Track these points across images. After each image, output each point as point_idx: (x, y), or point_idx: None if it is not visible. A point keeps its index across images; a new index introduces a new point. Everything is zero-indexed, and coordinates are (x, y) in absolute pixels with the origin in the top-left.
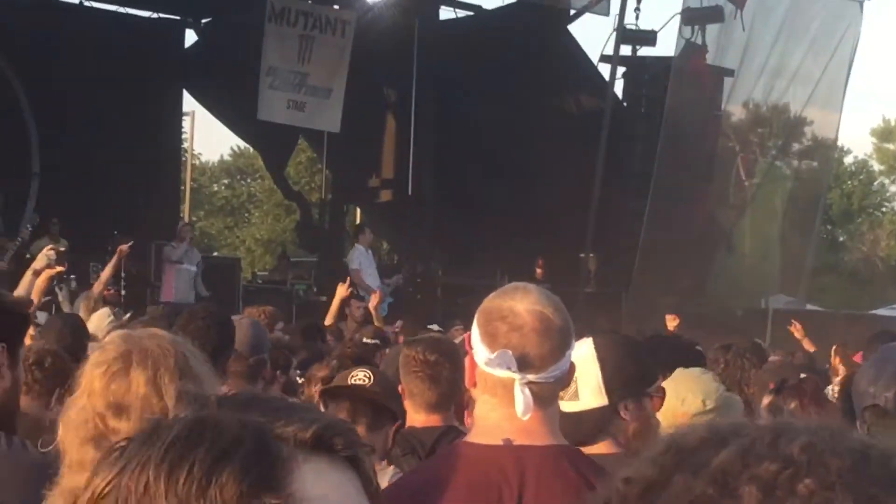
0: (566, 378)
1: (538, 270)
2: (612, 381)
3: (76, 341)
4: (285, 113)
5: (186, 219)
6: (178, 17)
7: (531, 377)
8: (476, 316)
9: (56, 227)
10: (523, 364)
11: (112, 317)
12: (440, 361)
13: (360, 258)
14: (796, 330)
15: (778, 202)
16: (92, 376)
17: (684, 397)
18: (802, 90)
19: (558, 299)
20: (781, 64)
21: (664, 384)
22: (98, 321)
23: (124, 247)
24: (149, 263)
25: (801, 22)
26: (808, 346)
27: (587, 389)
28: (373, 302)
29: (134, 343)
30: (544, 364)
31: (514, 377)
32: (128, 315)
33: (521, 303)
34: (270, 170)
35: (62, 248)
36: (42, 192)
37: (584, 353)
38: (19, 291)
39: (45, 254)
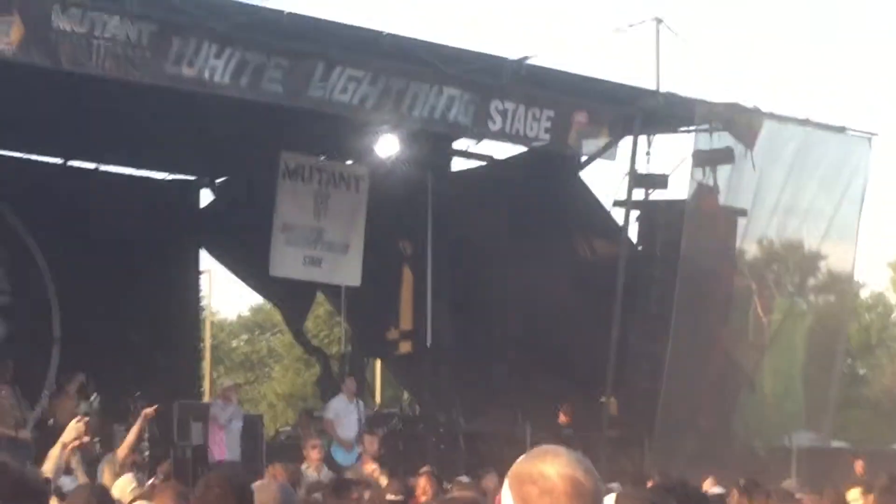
0: None
1: (563, 417)
2: None
3: None
4: (301, 269)
5: (207, 376)
6: (193, 178)
7: None
8: (507, 480)
9: (86, 386)
10: None
11: (135, 483)
12: None
13: (337, 408)
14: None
15: (798, 339)
16: None
17: None
18: (816, 226)
19: (589, 462)
20: (793, 202)
21: None
22: (122, 488)
23: (149, 410)
24: (171, 423)
25: (811, 160)
26: None
27: None
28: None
29: None
30: None
31: None
32: (150, 481)
33: (551, 466)
34: (289, 325)
35: (87, 418)
36: (63, 356)
37: None
38: (49, 465)
39: (75, 426)
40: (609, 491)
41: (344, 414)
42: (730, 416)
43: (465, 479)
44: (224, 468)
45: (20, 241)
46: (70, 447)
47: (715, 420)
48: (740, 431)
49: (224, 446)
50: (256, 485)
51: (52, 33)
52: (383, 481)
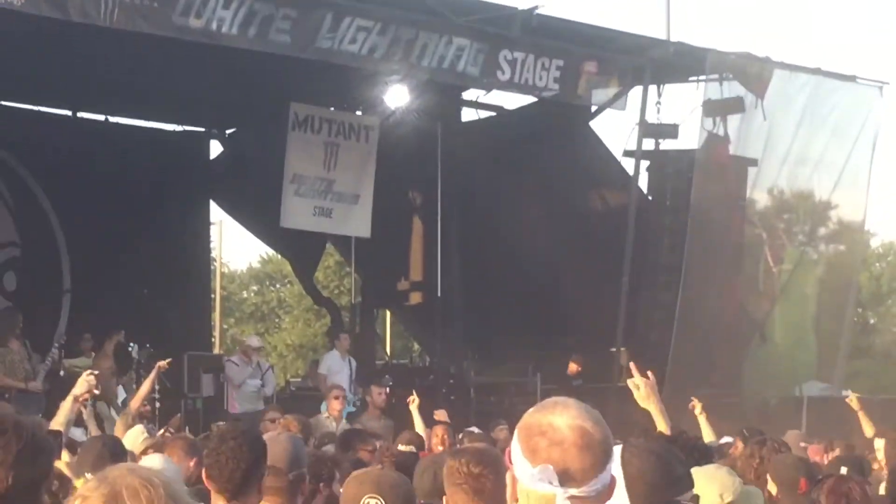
0: (608, 491)
1: (573, 366)
2: (634, 490)
3: (116, 463)
4: (312, 220)
5: (218, 328)
6: (202, 129)
7: (573, 491)
8: (516, 431)
9: (89, 342)
10: (565, 479)
11: (146, 434)
12: (484, 473)
13: (330, 363)
14: None
15: (809, 288)
16: None
17: (700, 494)
18: (827, 176)
19: (598, 413)
20: (804, 151)
21: None
22: (133, 438)
23: (163, 363)
24: (181, 375)
25: (822, 109)
26: (867, 430)
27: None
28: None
29: (118, 483)
30: (585, 478)
31: (555, 492)
32: (161, 431)
33: (560, 417)
34: (299, 276)
35: (97, 372)
36: (73, 308)
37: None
38: (60, 418)
39: (86, 379)
40: (618, 442)
41: (336, 370)
42: (741, 366)
43: (475, 429)
44: (239, 421)
45: (30, 193)
46: (81, 400)
47: (726, 370)
48: (752, 382)
49: (235, 402)
50: (267, 436)
51: None
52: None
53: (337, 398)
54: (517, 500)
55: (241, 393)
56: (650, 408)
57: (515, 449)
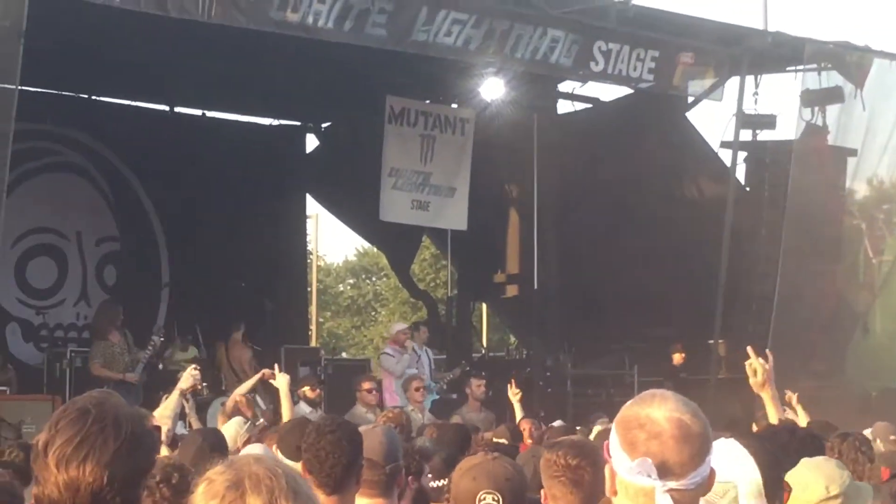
0: (707, 484)
1: (677, 357)
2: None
3: (218, 457)
4: (410, 213)
5: (314, 321)
6: (298, 123)
7: (672, 484)
8: (614, 425)
9: (190, 339)
10: (663, 471)
11: (248, 424)
12: (582, 465)
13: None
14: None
15: None
16: None
17: (806, 485)
18: None
19: (696, 405)
20: None
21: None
22: (234, 430)
23: (269, 371)
24: (279, 368)
25: None
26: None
27: (751, 495)
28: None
29: (243, 470)
30: (684, 471)
31: (654, 485)
32: (260, 422)
33: (658, 410)
34: (395, 269)
35: (198, 368)
36: (172, 301)
37: (737, 457)
38: (167, 411)
39: (191, 374)
40: (717, 436)
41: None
42: (843, 357)
43: (559, 423)
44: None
45: (129, 188)
46: (186, 394)
47: (827, 362)
48: (853, 373)
49: (394, 393)
50: (362, 429)
51: None
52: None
53: (417, 389)
54: (616, 494)
55: (398, 386)
56: (764, 395)
57: (614, 442)
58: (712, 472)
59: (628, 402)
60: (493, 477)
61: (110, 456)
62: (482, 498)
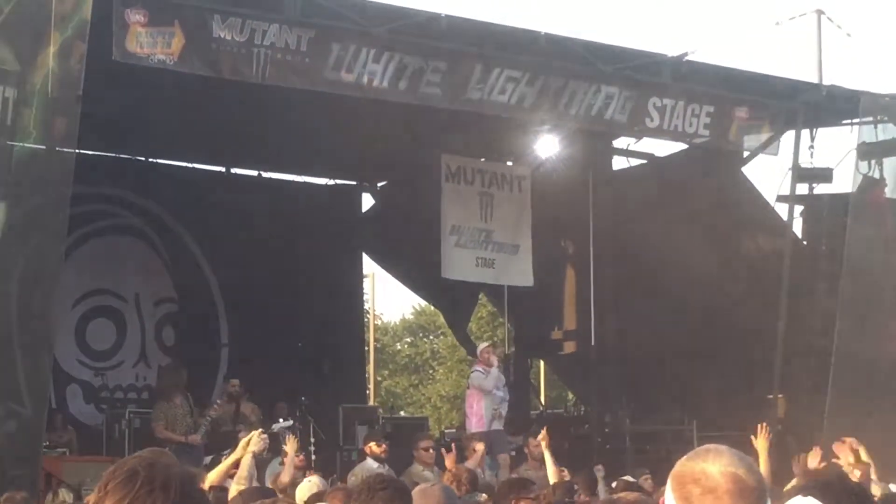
0: None
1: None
2: None
3: None
4: (475, 270)
5: (372, 380)
6: (354, 183)
7: None
8: (669, 480)
9: (235, 390)
10: None
11: (319, 487)
12: None
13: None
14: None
15: None
16: None
17: None
18: None
19: (751, 460)
20: None
21: None
22: (307, 490)
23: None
24: (337, 426)
25: None
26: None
27: None
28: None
29: None
30: None
31: None
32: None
33: (713, 465)
34: (452, 326)
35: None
36: (230, 362)
37: None
38: (244, 473)
39: (261, 438)
40: (772, 490)
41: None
42: None
43: (629, 478)
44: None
45: (186, 249)
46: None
47: (888, 417)
48: None
49: (482, 416)
50: (418, 488)
51: (213, 42)
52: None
53: (477, 447)
54: None
55: (489, 405)
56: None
57: (669, 497)
58: None
59: (683, 458)
60: None
61: None
62: None
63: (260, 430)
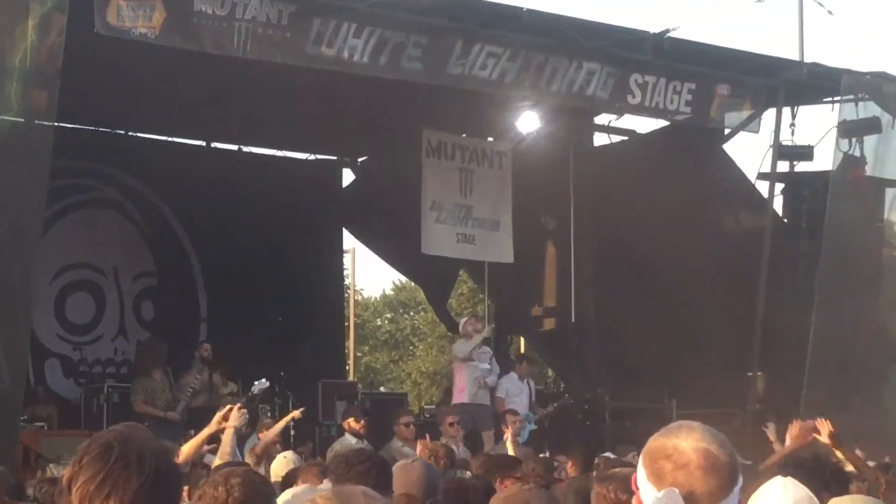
0: None
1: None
2: None
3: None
4: (455, 246)
5: (352, 356)
6: (334, 158)
7: None
8: (641, 456)
9: (208, 355)
10: (691, 502)
11: (294, 462)
12: (632, 501)
13: (508, 387)
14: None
15: None
16: None
17: None
18: None
19: (724, 436)
20: None
21: None
22: (283, 465)
23: (297, 413)
24: (316, 402)
25: None
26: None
27: None
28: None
29: (350, 500)
30: (712, 501)
31: None
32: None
33: (685, 440)
34: (433, 303)
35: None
36: (209, 336)
37: (804, 500)
38: (227, 448)
39: (241, 412)
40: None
41: (515, 392)
42: (881, 390)
43: (610, 455)
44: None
45: (165, 224)
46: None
47: (866, 395)
48: (892, 406)
49: (464, 389)
50: (401, 463)
51: (194, 16)
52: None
53: (451, 424)
54: None
55: (471, 376)
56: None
57: (641, 474)
58: None
59: (655, 434)
60: None
61: (133, 493)
62: None
63: (239, 404)
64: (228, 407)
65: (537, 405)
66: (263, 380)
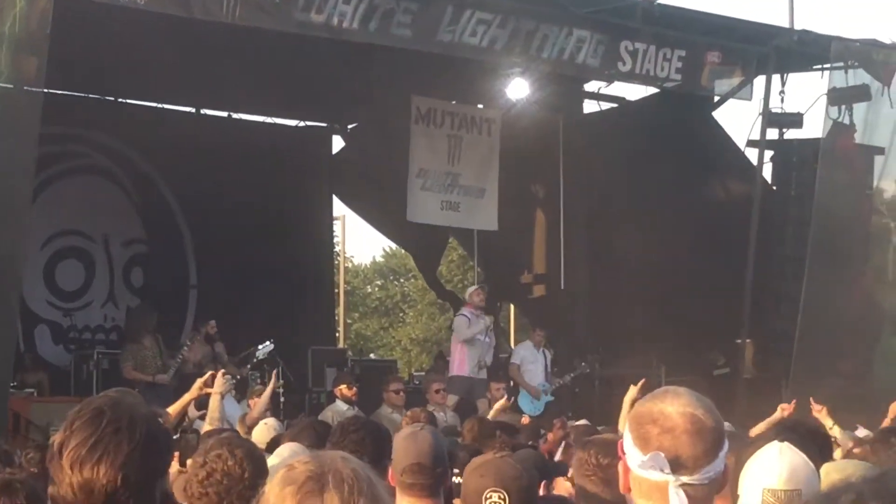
0: (720, 480)
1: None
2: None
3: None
4: (440, 214)
5: (342, 323)
6: (324, 124)
7: (685, 479)
8: (628, 421)
9: (215, 332)
10: (676, 466)
11: (276, 428)
12: (614, 464)
13: (524, 354)
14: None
15: None
16: (282, 494)
17: None
18: None
19: (710, 401)
20: None
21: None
22: (265, 432)
23: (274, 383)
24: (305, 369)
25: None
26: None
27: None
28: (500, 405)
29: (328, 465)
30: (697, 465)
31: (667, 479)
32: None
33: (671, 405)
34: (423, 270)
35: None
36: (199, 303)
37: (801, 464)
38: (215, 414)
39: (226, 379)
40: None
41: (530, 360)
42: (871, 357)
43: (583, 422)
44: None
45: (155, 190)
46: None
47: (855, 361)
48: (882, 373)
49: (465, 362)
50: (406, 431)
51: None
52: None
53: (438, 391)
54: (629, 491)
55: (472, 353)
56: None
57: (627, 438)
58: (727, 469)
59: (641, 399)
60: (501, 475)
61: (124, 457)
62: (488, 496)
63: (222, 370)
64: (210, 373)
65: (553, 375)
66: (268, 342)
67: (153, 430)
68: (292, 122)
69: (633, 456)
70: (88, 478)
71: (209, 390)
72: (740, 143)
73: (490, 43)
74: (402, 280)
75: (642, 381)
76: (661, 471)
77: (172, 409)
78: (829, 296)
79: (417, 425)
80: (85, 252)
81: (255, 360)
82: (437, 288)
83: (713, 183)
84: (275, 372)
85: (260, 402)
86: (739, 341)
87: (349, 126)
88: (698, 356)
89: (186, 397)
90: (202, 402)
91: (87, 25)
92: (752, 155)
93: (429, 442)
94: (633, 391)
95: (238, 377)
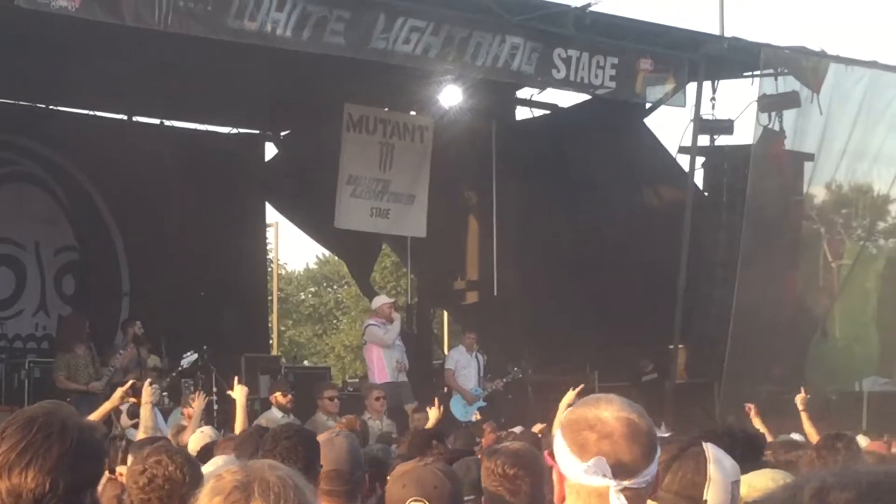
0: (655, 483)
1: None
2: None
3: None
4: (369, 220)
5: (275, 330)
6: (257, 132)
7: (626, 483)
8: (561, 429)
9: (142, 334)
10: (617, 471)
11: (212, 436)
12: (520, 475)
13: (457, 358)
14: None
15: (869, 283)
16: None
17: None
18: (886, 170)
19: (640, 406)
20: (862, 145)
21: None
22: (200, 442)
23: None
24: (239, 376)
25: (879, 103)
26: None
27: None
28: (435, 415)
29: (255, 473)
30: (636, 469)
31: (609, 484)
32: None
33: (606, 410)
34: (356, 277)
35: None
36: (132, 310)
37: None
38: (149, 423)
39: (153, 388)
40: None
41: (464, 365)
42: (802, 362)
43: (518, 429)
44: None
45: (87, 197)
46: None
47: (787, 366)
48: (813, 377)
49: (384, 369)
50: (323, 437)
51: None
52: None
53: (377, 399)
54: (564, 500)
55: (390, 358)
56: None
57: (560, 446)
58: (659, 473)
59: (572, 406)
60: (422, 484)
61: (53, 463)
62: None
63: (149, 380)
64: (130, 382)
65: (486, 380)
66: (192, 352)
67: (85, 437)
68: (225, 130)
69: (569, 464)
70: (17, 483)
71: (132, 399)
72: (672, 149)
73: (423, 50)
74: (335, 287)
75: (581, 385)
76: (604, 476)
77: (93, 418)
78: (761, 301)
79: (333, 431)
80: (16, 260)
81: (179, 369)
82: (370, 294)
83: (645, 189)
84: (198, 392)
85: (192, 421)
86: (672, 346)
87: (282, 133)
88: (630, 362)
89: (107, 405)
90: (134, 412)
91: (18, 32)
92: (683, 161)
93: (345, 448)
94: (570, 395)
95: (164, 385)
